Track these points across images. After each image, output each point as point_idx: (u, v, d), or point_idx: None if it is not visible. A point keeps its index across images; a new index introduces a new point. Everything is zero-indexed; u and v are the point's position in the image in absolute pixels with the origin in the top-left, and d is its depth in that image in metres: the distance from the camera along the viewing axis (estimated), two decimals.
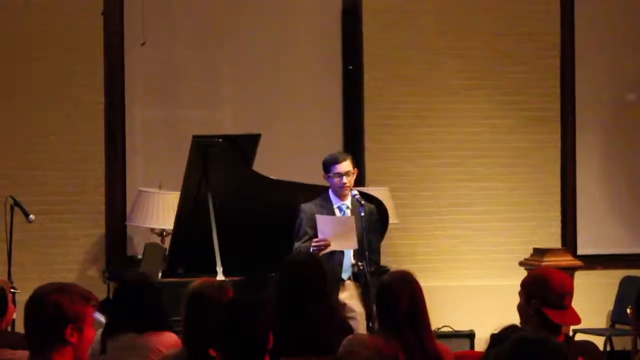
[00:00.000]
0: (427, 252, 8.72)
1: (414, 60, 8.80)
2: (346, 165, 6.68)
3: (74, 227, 8.36)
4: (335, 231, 6.48)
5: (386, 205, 7.26)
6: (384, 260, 7.82)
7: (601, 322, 8.77)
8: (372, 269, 6.42)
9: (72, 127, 8.37)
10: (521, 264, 8.32)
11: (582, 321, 4.27)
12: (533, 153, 8.91)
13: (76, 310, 3.27)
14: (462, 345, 8.23)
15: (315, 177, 6.93)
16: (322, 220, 6.51)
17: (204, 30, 8.69)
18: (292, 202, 6.72)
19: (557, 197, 8.97)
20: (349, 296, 6.64)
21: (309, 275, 4.98)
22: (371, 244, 6.54)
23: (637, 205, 9.06)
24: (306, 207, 6.69)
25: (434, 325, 4.53)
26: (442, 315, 8.13)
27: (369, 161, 8.69)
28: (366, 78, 8.74)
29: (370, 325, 6.26)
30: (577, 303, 4.26)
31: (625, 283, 8.73)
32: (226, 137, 6.98)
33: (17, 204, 7.36)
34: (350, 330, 4.98)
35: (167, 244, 7.41)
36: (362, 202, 6.54)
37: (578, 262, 8.33)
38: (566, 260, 8.22)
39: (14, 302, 5.17)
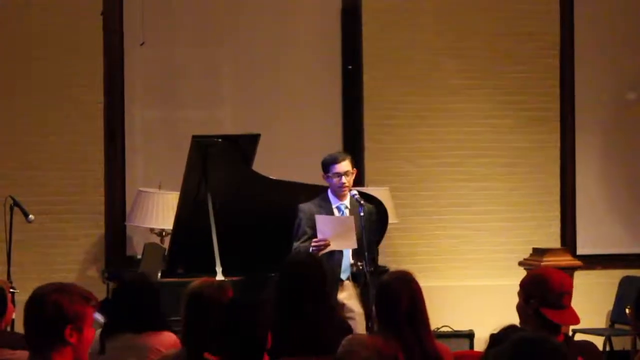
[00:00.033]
0: (427, 252, 8.72)
1: (414, 60, 8.80)
2: (345, 165, 6.67)
3: (74, 227, 8.36)
4: (335, 231, 6.48)
5: (386, 205, 7.26)
6: (384, 260, 7.84)
7: (601, 322, 8.77)
8: (372, 269, 6.42)
9: (71, 127, 8.37)
10: (520, 263, 8.32)
11: (582, 321, 4.27)
12: (533, 153, 8.92)
13: (76, 311, 3.27)
14: (462, 345, 8.23)
15: (315, 177, 6.93)
16: (321, 220, 6.51)
17: (203, 29, 8.69)
18: (292, 202, 6.72)
19: (557, 197, 8.97)
20: (348, 296, 6.64)
21: (308, 275, 4.99)
22: (370, 244, 6.54)
23: (637, 205, 9.06)
24: (305, 207, 6.69)
25: (434, 325, 4.53)
26: (442, 315, 8.13)
27: (368, 161, 8.69)
28: (366, 78, 8.74)
29: (370, 325, 6.26)
30: (577, 303, 4.26)
31: (624, 283, 8.73)
32: (226, 137, 6.98)
33: (16, 204, 7.36)
34: (349, 330, 4.99)
35: (166, 244, 7.41)
36: (362, 202, 6.54)
37: (577, 262, 8.33)
38: (566, 260, 8.22)
39: (13, 302, 5.17)
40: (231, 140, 6.97)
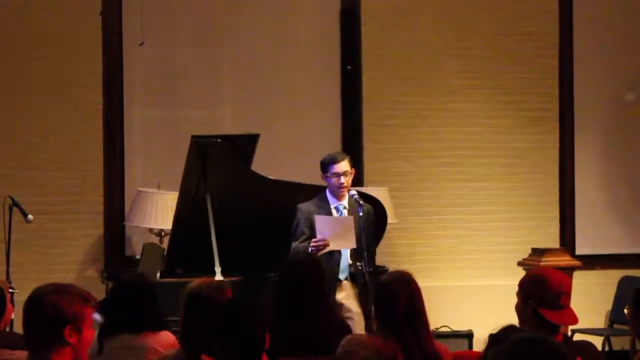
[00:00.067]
0: (426, 252, 8.72)
1: (414, 60, 8.80)
2: (344, 165, 6.67)
3: (73, 227, 8.36)
4: (334, 231, 6.48)
5: (385, 205, 7.26)
6: (383, 261, 7.83)
7: (600, 322, 8.77)
8: (371, 269, 6.42)
9: (71, 128, 8.37)
10: (520, 264, 8.32)
11: (581, 321, 4.27)
12: (532, 153, 8.92)
13: (75, 311, 3.27)
14: (461, 345, 8.23)
15: (314, 177, 6.93)
16: (321, 221, 6.51)
17: (202, 29, 8.69)
18: (290, 202, 6.71)
19: (556, 197, 8.98)
20: (346, 296, 6.64)
21: (307, 275, 4.99)
22: (369, 244, 6.54)
23: (636, 205, 9.07)
24: (303, 207, 6.69)
25: (433, 325, 4.52)
26: (441, 315, 8.13)
27: (367, 161, 8.70)
28: (365, 78, 8.74)
29: (369, 325, 6.26)
30: (576, 303, 4.26)
31: (623, 283, 8.73)
32: (225, 137, 6.98)
33: (15, 204, 7.36)
34: (348, 330, 4.99)
35: (165, 244, 7.41)
36: (361, 202, 6.54)
37: (576, 262, 8.33)
38: (565, 260, 8.23)
39: (12, 302, 5.17)
40: (230, 140, 6.97)
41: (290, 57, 8.76)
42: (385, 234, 7.30)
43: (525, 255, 8.41)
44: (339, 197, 6.72)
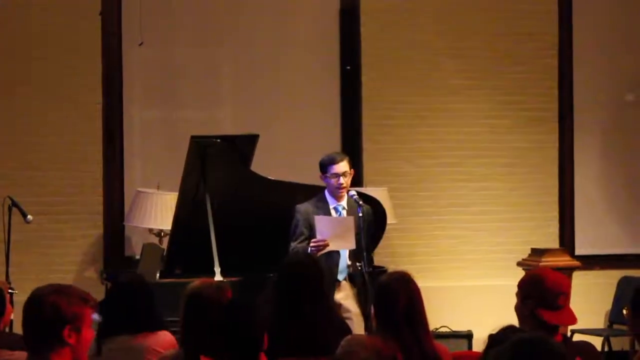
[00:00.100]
0: (425, 253, 8.71)
1: (413, 60, 8.80)
2: (343, 166, 6.66)
3: (72, 227, 8.36)
4: (334, 232, 6.47)
5: (385, 205, 7.25)
6: (383, 261, 7.83)
7: (599, 323, 8.77)
8: (370, 269, 6.42)
9: (71, 128, 8.37)
10: (519, 264, 8.32)
11: (580, 321, 4.28)
12: (531, 153, 8.92)
13: (74, 312, 3.27)
14: (460, 346, 8.23)
15: (314, 177, 6.92)
16: (321, 221, 6.50)
17: (202, 29, 8.69)
18: (290, 202, 6.71)
19: (555, 198, 8.98)
20: (345, 296, 6.64)
21: (306, 275, 4.99)
22: (368, 244, 6.53)
23: (635, 205, 9.07)
24: (302, 207, 6.68)
25: (432, 326, 4.52)
26: (440, 315, 8.12)
27: (367, 161, 8.69)
28: (364, 78, 8.74)
29: (368, 325, 6.26)
30: (575, 303, 4.26)
31: (623, 283, 8.73)
32: (224, 138, 6.98)
33: (14, 204, 7.36)
34: (348, 330, 4.98)
35: (165, 245, 7.41)
36: (360, 202, 6.54)
37: (576, 263, 8.33)
38: (564, 260, 8.23)
39: (11, 302, 5.17)
40: (229, 141, 6.97)
41: (290, 57, 8.76)
42: (385, 234, 7.30)
43: (525, 256, 8.41)
44: (337, 198, 6.71)
